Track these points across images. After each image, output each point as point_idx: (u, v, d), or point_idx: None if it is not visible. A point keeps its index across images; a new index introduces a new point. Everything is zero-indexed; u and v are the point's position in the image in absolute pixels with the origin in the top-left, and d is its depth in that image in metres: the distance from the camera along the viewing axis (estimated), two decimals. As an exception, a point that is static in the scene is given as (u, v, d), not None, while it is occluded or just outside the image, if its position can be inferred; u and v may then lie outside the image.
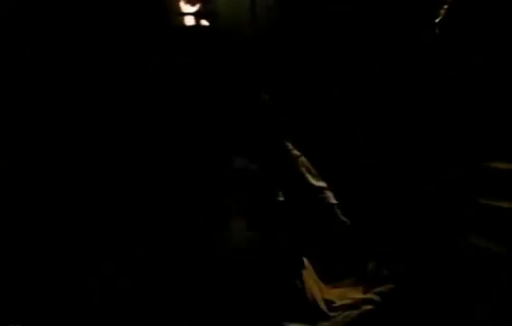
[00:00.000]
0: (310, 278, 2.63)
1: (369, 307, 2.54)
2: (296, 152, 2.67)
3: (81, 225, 3.35)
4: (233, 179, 2.80)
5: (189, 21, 3.75)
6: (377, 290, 2.61)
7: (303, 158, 2.65)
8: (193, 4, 3.73)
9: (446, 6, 3.13)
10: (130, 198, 3.42)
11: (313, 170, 2.61)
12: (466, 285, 2.82)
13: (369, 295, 2.61)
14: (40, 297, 2.94)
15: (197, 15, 3.73)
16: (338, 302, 2.57)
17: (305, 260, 2.68)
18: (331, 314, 2.52)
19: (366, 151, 3.41)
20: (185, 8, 3.73)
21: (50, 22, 3.52)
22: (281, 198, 2.56)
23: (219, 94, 3.55)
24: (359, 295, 2.62)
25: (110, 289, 3.01)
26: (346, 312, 2.55)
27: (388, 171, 3.36)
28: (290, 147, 2.67)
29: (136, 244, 3.29)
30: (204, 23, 3.75)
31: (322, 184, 2.60)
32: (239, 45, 3.62)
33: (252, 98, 3.12)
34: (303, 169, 2.60)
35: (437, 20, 3.16)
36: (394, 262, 2.81)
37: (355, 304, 2.58)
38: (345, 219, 2.60)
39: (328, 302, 2.59)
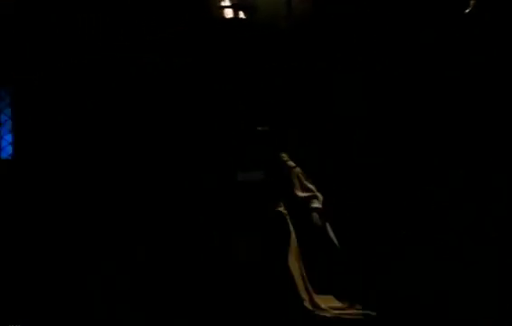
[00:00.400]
0: (301, 281, 2.78)
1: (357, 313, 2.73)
2: (291, 163, 2.86)
3: (82, 226, 3.36)
4: (236, 188, 3.02)
5: (229, 13, 3.68)
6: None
7: (297, 169, 2.85)
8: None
9: None
10: (131, 199, 3.42)
11: (304, 180, 2.80)
12: (465, 283, 2.85)
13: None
14: (40, 297, 2.95)
15: (236, 8, 3.66)
16: (323, 305, 2.75)
17: (300, 265, 2.81)
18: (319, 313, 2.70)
19: (366, 151, 3.42)
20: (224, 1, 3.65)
21: (55, 20, 3.52)
22: None
23: (223, 94, 3.55)
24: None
25: (110, 289, 3.02)
26: (336, 312, 2.74)
27: (388, 171, 3.36)
28: (286, 158, 2.87)
29: (136, 244, 3.30)
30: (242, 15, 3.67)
31: (308, 194, 2.78)
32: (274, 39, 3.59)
33: (253, 99, 3.16)
34: (295, 180, 2.82)
35: (467, 11, 3.16)
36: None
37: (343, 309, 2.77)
38: (318, 221, 2.78)
39: (316, 305, 2.75)
